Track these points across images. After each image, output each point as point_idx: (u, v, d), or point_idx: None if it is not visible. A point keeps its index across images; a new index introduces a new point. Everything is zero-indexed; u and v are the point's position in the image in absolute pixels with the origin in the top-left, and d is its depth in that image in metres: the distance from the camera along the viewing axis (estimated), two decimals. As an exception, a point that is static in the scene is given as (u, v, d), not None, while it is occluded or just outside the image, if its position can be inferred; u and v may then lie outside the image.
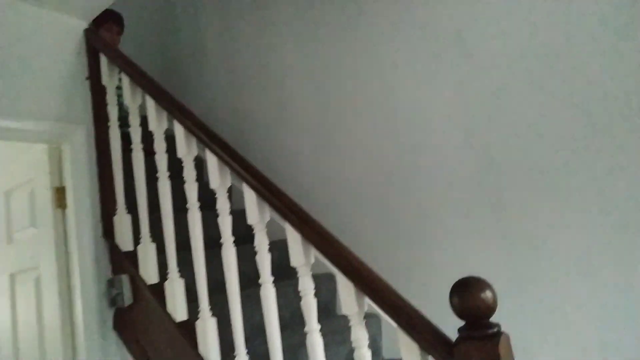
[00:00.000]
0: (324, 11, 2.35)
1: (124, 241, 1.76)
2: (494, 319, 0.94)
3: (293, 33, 2.50)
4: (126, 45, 3.23)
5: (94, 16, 1.96)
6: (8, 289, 2.02)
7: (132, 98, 1.74)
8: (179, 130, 1.55)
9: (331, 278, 2.27)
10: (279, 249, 2.18)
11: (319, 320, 1.24)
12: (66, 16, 1.90)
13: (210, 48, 2.98)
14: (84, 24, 1.95)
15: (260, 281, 1.32)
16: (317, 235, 1.18)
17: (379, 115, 2.15)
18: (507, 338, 0.97)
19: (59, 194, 1.82)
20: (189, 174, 1.54)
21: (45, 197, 1.83)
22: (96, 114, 1.89)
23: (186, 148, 1.54)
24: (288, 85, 2.52)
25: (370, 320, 2.02)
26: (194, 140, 1.54)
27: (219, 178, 1.43)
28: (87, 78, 1.91)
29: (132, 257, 1.73)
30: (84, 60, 1.93)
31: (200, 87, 3.05)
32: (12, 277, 1.99)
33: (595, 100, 1.57)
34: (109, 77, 1.85)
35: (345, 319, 1.90)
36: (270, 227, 2.40)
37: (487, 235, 1.81)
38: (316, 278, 2.18)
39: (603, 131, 1.56)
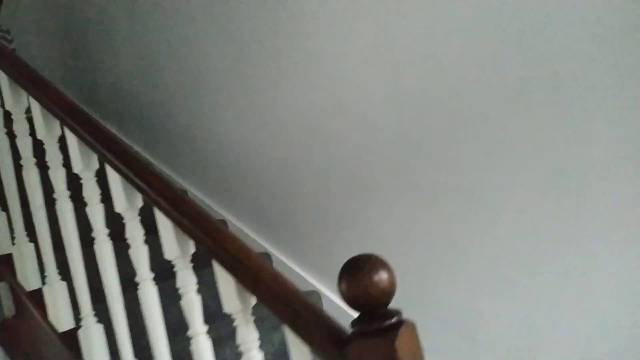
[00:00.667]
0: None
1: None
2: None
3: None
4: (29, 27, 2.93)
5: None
6: None
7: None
8: (35, 108, 1.28)
9: (266, 257, 2.09)
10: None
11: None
12: None
13: (118, 22, 2.65)
14: None
15: (136, 279, 1.10)
16: (189, 220, 0.96)
17: (300, 72, 1.92)
18: (411, 328, 0.78)
19: None
20: (53, 158, 1.28)
21: None
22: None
23: (45, 128, 1.27)
24: (203, 52, 2.25)
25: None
26: (52, 117, 1.28)
27: (80, 160, 1.18)
28: None
29: (10, 260, 1.48)
30: None
31: (110, 62, 2.74)
32: None
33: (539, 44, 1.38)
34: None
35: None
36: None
37: (419, 193, 1.64)
38: None
39: (545, 79, 1.37)
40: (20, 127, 1.37)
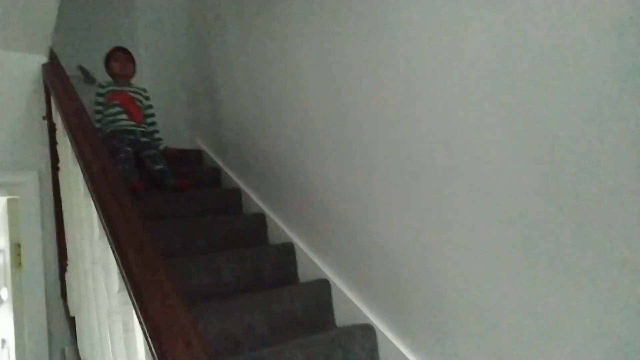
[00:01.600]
0: (338, 18, 1.89)
1: (72, 303, 1.47)
2: None
3: (307, 40, 2.08)
4: (163, 60, 3.17)
5: (50, 49, 1.77)
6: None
7: (64, 133, 1.47)
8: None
9: (369, 330, 1.75)
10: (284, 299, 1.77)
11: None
12: (21, 54, 1.73)
13: (234, 58, 2.71)
14: (43, 58, 1.77)
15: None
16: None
17: (402, 105, 1.61)
18: None
19: (18, 251, 1.62)
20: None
21: (7, 256, 1.64)
22: (53, 157, 1.67)
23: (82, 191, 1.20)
24: (308, 102, 2.09)
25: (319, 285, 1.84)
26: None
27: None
28: (44, 117, 1.71)
29: (79, 323, 1.44)
30: (42, 98, 1.74)
31: (232, 110, 2.79)
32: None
33: None
34: (56, 112, 1.62)
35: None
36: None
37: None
38: (347, 330, 1.69)
39: None
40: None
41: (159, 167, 2.46)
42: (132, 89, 2.75)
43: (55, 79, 1.59)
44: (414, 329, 1.61)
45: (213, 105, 3.03)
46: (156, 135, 2.79)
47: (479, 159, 1.36)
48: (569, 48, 1.12)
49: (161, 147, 2.73)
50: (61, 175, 1.57)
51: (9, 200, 1.70)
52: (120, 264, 0.81)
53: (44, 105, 1.74)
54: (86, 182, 1.06)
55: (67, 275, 1.52)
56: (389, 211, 1.68)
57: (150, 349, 0.65)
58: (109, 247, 1.01)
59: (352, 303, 1.86)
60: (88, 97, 3.13)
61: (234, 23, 2.71)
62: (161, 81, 3.56)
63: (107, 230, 0.88)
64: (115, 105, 2.60)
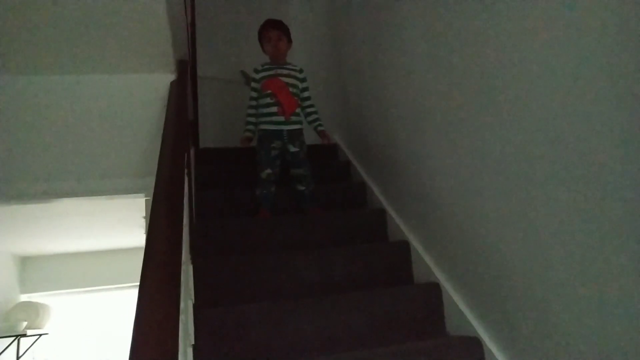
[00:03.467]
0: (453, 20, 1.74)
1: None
2: None
3: (423, 38, 1.96)
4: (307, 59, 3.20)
5: (176, 66, 2.00)
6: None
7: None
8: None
9: (475, 343, 1.60)
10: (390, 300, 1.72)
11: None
12: (151, 75, 2.00)
13: (365, 78, 2.67)
14: (171, 77, 2.01)
15: None
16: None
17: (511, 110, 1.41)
18: None
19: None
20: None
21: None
22: (176, 162, 1.90)
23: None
24: (423, 89, 1.97)
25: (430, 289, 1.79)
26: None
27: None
28: (172, 128, 1.95)
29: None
30: (170, 111, 1.98)
31: (358, 108, 2.78)
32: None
33: None
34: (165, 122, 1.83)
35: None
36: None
37: None
38: (452, 341, 1.59)
39: None
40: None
41: (301, 188, 2.43)
42: (285, 72, 2.49)
43: (171, 97, 1.81)
44: (524, 349, 1.41)
45: (344, 101, 3.06)
46: (313, 117, 2.60)
47: (589, 158, 1.12)
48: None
49: (320, 128, 2.60)
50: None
51: (147, 201, 2.00)
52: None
53: (172, 118, 1.99)
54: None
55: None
56: (499, 214, 1.49)
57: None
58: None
59: (461, 312, 1.72)
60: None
61: (362, 27, 2.69)
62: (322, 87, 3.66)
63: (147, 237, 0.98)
64: (267, 95, 2.42)
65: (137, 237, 5.15)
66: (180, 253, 0.93)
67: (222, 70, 4.11)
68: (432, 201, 1.92)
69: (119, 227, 4.53)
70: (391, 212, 2.32)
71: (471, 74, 1.58)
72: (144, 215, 4.56)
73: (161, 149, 1.37)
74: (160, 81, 2.00)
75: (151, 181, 1.81)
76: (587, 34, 1.08)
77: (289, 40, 2.57)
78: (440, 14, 1.77)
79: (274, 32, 2.48)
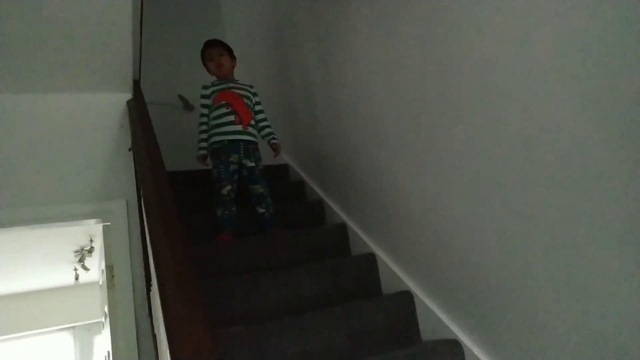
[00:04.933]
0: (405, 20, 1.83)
1: (156, 320, 1.56)
2: None
3: (375, 48, 2.03)
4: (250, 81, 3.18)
5: (133, 88, 1.92)
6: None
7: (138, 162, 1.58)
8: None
9: (455, 346, 1.64)
10: (364, 313, 1.73)
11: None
12: (108, 94, 1.90)
13: (316, 94, 2.72)
14: (128, 95, 1.93)
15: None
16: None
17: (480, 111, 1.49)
18: None
19: (112, 272, 1.77)
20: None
21: (103, 278, 1.80)
22: (138, 186, 1.80)
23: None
24: (380, 107, 2.03)
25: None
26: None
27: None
28: (130, 149, 1.86)
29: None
30: (127, 131, 1.89)
31: (309, 123, 2.81)
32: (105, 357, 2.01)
33: None
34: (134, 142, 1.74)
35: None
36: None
37: None
38: (431, 345, 1.61)
39: None
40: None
41: (261, 210, 2.38)
42: (237, 86, 2.49)
43: (134, 115, 1.72)
44: (505, 347, 1.47)
45: (293, 120, 3.08)
46: (267, 131, 2.57)
47: (565, 159, 1.21)
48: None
49: (274, 142, 2.56)
50: (143, 203, 1.69)
51: (104, 227, 1.86)
52: (159, 290, 0.84)
53: (129, 138, 1.89)
54: (144, 210, 1.12)
55: (151, 295, 1.63)
56: (470, 219, 1.56)
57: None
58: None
59: (437, 316, 1.76)
60: (189, 124, 3.24)
61: (309, 41, 2.74)
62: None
63: (153, 257, 0.91)
64: (222, 106, 2.37)
65: (66, 275, 4.77)
66: (195, 272, 0.88)
67: (159, 94, 4.00)
68: (397, 211, 1.97)
69: (45, 264, 4.16)
70: (353, 226, 2.34)
71: (429, 79, 1.66)
72: (76, 249, 4.26)
73: (139, 169, 1.30)
74: (117, 100, 1.91)
75: (109, 205, 1.71)
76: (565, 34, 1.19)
77: (232, 57, 2.56)
78: (393, 15, 1.85)
79: (214, 49, 2.48)
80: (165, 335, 0.73)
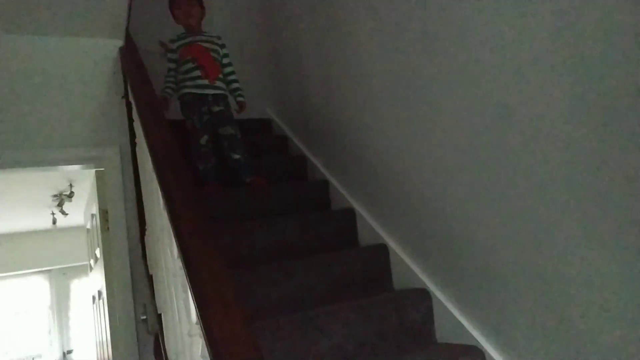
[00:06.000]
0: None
1: (150, 264, 1.66)
2: None
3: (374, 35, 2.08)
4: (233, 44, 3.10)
5: (126, 31, 1.92)
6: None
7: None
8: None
9: (424, 294, 1.80)
10: (343, 262, 1.86)
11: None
12: (100, 39, 1.90)
13: (305, 47, 2.74)
14: (120, 42, 1.94)
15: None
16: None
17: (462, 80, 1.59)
18: None
19: (105, 216, 1.84)
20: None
21: (98, 220, 1.87)
22: (131, 133, 1.85)
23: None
24: (370, 67, 2.10)
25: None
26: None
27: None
28: (123, 97, 1.89)
29: (157, 280, 1.63)
30: (120, 79, 1.91)
31: (298, 79, 2.86)
32: (93, 297, 2.12)
33: None
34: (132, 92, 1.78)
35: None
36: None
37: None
38: (403, 293, 1.75)
39: None
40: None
41: (236, 156, 2.34)
42: (204, 38, 2.39)
43: (129, 62, 1.74)
44: (469, 295, 1.64)
45: (278, 73, 3.11)
46: (235, 86, 2.51)
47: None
48: None
49: (240, 99, 2.52)
50: (137, 149, 1.74)
51: (96, 172, 1.92)
52: (174, 232, 0.93)
53: (122, 86, 1.91)
54: (151, 158, 1.19)
55: (145, 238, 1.72)
56: (441, 171, 1.69)
57: (197, 309, 0.76)
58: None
59: (409, 267, 1.91)
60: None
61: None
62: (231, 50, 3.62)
63: (165, 201, 1.00)
64: (188, 61, 2.30)
65: (43, 218, 4.77)
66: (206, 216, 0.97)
67: (140, 41, 3.92)
68: (376, 169, 2.08)
69: (22, 208, 4.16)
70: (334, 183, 2.45)
71: (416, 38, 1.74)
72: (55, 193, 4.25)
73: (142, 119, 1.35)
74: (110, 47, 1.92)
75: (103, 151, 1.76)
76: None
77: (202, 7, 2.44)
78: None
79: (185, 1, 2.34)
80: (185, 271, 0.82)
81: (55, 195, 4.05)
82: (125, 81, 1.88)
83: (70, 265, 5.83)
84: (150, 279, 1.63)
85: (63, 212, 4.40)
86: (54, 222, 4.67)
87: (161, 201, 1.19)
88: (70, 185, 3.85)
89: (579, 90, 1.19)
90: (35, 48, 1.77)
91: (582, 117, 1.19)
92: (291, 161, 2.75)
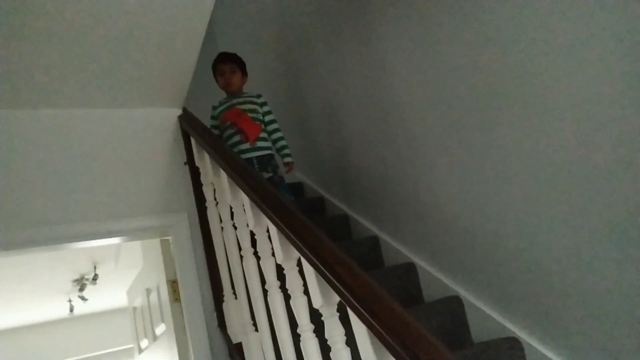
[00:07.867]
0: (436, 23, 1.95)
1: (233, 332, 1.56)
2: None
3: (404, 50, 2.15)
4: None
5: (183, 101, 1.95)
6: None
7: (214, 174, 1.61)
8: (245, 202, 1.33)
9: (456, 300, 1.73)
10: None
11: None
12: (159, 109, 1.91)
13: (332, 93, 2.81)
14: (178, 111, 1.95)
15: (298, 330, 0.99)
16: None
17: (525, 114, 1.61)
18: None
19: (175, 287, 1.75)
20: (263, 248, 1.28)
21: (165, 292, 1.78)
22: (197, 198, 1.82)
23: (253, 220, 1.29)
24: (416, 116, 2.15)
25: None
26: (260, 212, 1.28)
27: (281, 252, 1.13)
28: (186, 163, 1.87)
29: (241, 349, 1.52)
30: (181, 145, 1.91)
31: (333, 135, 2.88)
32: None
33: None
34: (199, 157, 1.77)
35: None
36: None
37: None
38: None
39: None
40: (239, 218, 1.44)
41: None
42: (241, 100, 2.36)
43: (194, 126, 1.76)
44: (568, 338, 1.56)
45: (308, 136, 3.14)
46: (280, 144, 2.41)
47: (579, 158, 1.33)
48: None
49: (287, 159, 2.41)
50: (210, 214, 1.70)
51: (161, 241, 1.85)
52: (330, 278, 0.87)
53: (183, 153, 1.90)
54: (259, 207, 1.16)
55: (225, 305, 1.63)
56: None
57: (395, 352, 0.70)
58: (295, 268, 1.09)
59: (490, 317, 1.83)
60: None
61: (323, 50, 2.84)
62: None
63: (307, 251, 0.95)
64: (228, 127, 2.29)
65: (58, 307, 4.54)
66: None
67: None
68: (434, 216, 2.05)
69: (37, 296, 3.97)
70: (386, 238, 2.40)
71: (468, 79, 1.78)
72: (76, 278, 4.07)
73: (232, 182, 1.33)
74: (169, 115, 1.93)
75: (170, 218, 1.71)
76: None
77: (244, 74, 2.46)
78: (425, 15, 1.96)
79: (226, 65, 2.38)
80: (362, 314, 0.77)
81: (75, 280, 3.88)
82: (187, 148, 1.88)
83: (91, 354, 5.44)
84: (233, 347, 1.53)
85: (82, 298, 4.21)
86: (71, 309, 4.44)
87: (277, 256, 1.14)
88: (95, 267, 3.71)
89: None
90: (97, 121, 1.77)
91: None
92: (332, 220, 2.71)
